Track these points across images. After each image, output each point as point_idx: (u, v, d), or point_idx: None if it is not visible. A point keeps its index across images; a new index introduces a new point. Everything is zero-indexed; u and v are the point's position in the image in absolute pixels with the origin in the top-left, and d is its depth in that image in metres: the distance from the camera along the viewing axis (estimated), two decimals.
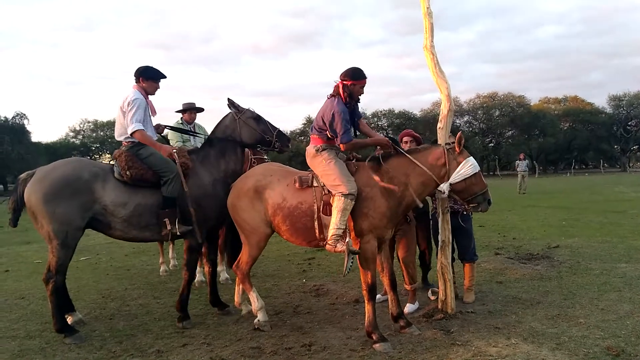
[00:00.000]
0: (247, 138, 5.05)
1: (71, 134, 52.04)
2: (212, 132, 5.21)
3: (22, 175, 4.63)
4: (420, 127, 53.30)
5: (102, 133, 52.46)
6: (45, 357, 4.07)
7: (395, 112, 57.61)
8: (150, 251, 9.37)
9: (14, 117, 43.21)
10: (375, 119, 55.49)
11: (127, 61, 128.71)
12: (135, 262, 8.35)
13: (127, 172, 4.53)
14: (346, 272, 3.97)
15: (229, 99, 5.10)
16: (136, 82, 4.85)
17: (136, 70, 4.85)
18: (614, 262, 6.74)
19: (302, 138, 53.93)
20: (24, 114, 44.11)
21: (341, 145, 4.23)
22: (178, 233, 4.60)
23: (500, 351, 3.76)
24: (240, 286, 4.86)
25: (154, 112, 5.00)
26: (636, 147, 64.72)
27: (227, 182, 4.91)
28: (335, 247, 3.96)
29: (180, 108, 6.79)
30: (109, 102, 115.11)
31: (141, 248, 9.75)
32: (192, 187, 4.72)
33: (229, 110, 5.14)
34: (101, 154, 53.56)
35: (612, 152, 63.15)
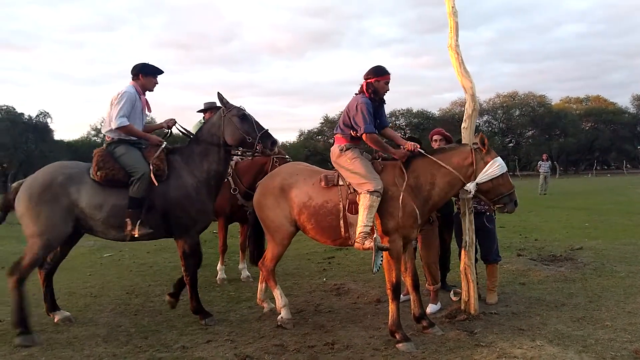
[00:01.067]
0: (228, 137, 4.74)
1: (92, 132, 52.64)
2: (199, 129, 5.07)
3: (14, 184, 4.72)
4: (439, 126, 52.76)
5: None
6: (74, 350, 4.15)
7: (414, 111, 57.24)
8: (172, 248, 9.45)
9: (37, 116, 44.06)
10: (393, 119, 55.16)
11: (148, 60, 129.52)
12: (158, 259, 8.47)
13: (98, 173, 4.48)
14: (376, 270, 3.95)
15: (218, 93, 4.84)
16: (134, 79, 4.84)
17: (134, 67, 4.84)
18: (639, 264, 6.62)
19: (320, 137, 54.04)
20: (47, 113, 44.94)
21: (363, 135, 4.21)
22: (136, 235, 4.47)
23: (525, 353, 3.72)
24: (263, 284, 4.91)
25: (149, 109, 4.98)
26: None
27: (209, 183, 4.78)
28: (363, 244, 3.97)
29: (202, 107, 6.87)
30: None
31: (162, 245, 9.83)
32: (173, 189, 4.61)
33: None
34: None
35: (635, 153, 61.78)
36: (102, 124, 4.89)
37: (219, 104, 6.70)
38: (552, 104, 59.72)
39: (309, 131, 55.47)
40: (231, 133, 4.74)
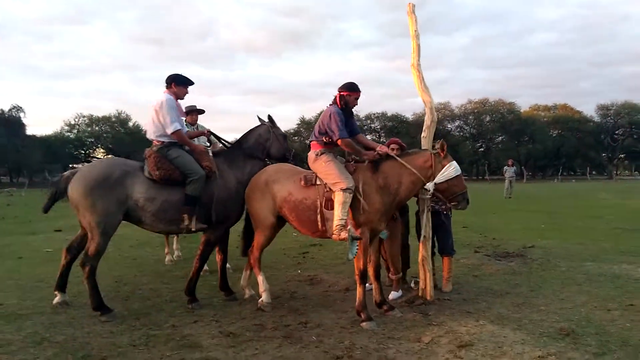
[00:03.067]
0: (274, 150, 5.80)
1: (66, 127, 52.16)
2: (244, 137, 5.78)
3: (66, 173, 5.21)
4: (413, 130, 54.08)
5: (97, 128, 52.62)
6: (75, 328, 4.63)
7: (388, 115, 58.44)
8: (153, 243, 9.93)
9: (10, 110, 43.51)
10: (369, 122, 56.24)
11: (120, 55, 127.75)
12: (141, 252, 8.91)
13: (157, 172, 5.04)
14: (351, 257, 4.58)
15: (269, 115, 5.90)
16: (167, 88, 5.39)
17: (168, 77, 5.40)
18: (581, 261, 7.41)
19: (296, 138, 54.63)
20: (21, 107, 44.54)
21: (338, 140, 4.84)
22: (193, 229, 5.12)
23: (469, 330, 4.40)
24: (248, 271, 5.49)
25: (182, 114, 5.65)
26: (623, 155, 65.99)
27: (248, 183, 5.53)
28: (340, 235, 4.59)
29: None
30: (103, 96, 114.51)
31: (144, 240, 10.31)
32: (219, 188, 5.25)
33: (259, 122, 5.88)
34: (95, 149, 53.73)
35: (599, 160, 64.43)
36: (147, 130, 5.42)
37: (192, 102, 7.30)
38: (521, 111, 61.79)
39: (285, 131, 55.94)
40: (277, 148, 5.83)
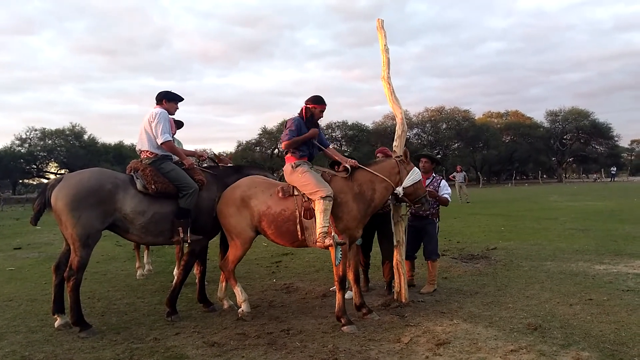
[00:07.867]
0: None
1: (17, 142, 49.95)
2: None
3: (50, 181, 5.10)
4: (373, 138, 54.92)
5: (50, 141, 50.63)
6: (55, 345, 4.57)
7: (349, 124, 59.05)
8: (120, 257, 9.80)
9: None
10: (330, 131, 56.64)
11: (70, 66, 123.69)
12: (109, 267, 8.77)
13: (153, 186, 5.04)
14: (337, 262, 4.73)
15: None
16: (158, 104, 5.44)
17: (158, 94, 5.47)
18: (541, 260, 7.84)
19: (258, 148, 54.55)
20: None
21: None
22: (188, 241, 5.18)
23: (444, 329, 4.62)
24: (224, 283, 5.53)
25: (174, 129, 5.77)
26: (571, 159, 69.00)
27: None
28: (324, 242, 4.72)
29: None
30: (54, 109, 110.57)
31: (110, 255, 10.15)
32: (204, 199, 5.34)
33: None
34: (48, 163, 51.74)
35: (549, 164, 67.06)
36: (138, 142, 5.41)
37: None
38: (476, 118, 63.64)
39: (247, 142, 55.95)
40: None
